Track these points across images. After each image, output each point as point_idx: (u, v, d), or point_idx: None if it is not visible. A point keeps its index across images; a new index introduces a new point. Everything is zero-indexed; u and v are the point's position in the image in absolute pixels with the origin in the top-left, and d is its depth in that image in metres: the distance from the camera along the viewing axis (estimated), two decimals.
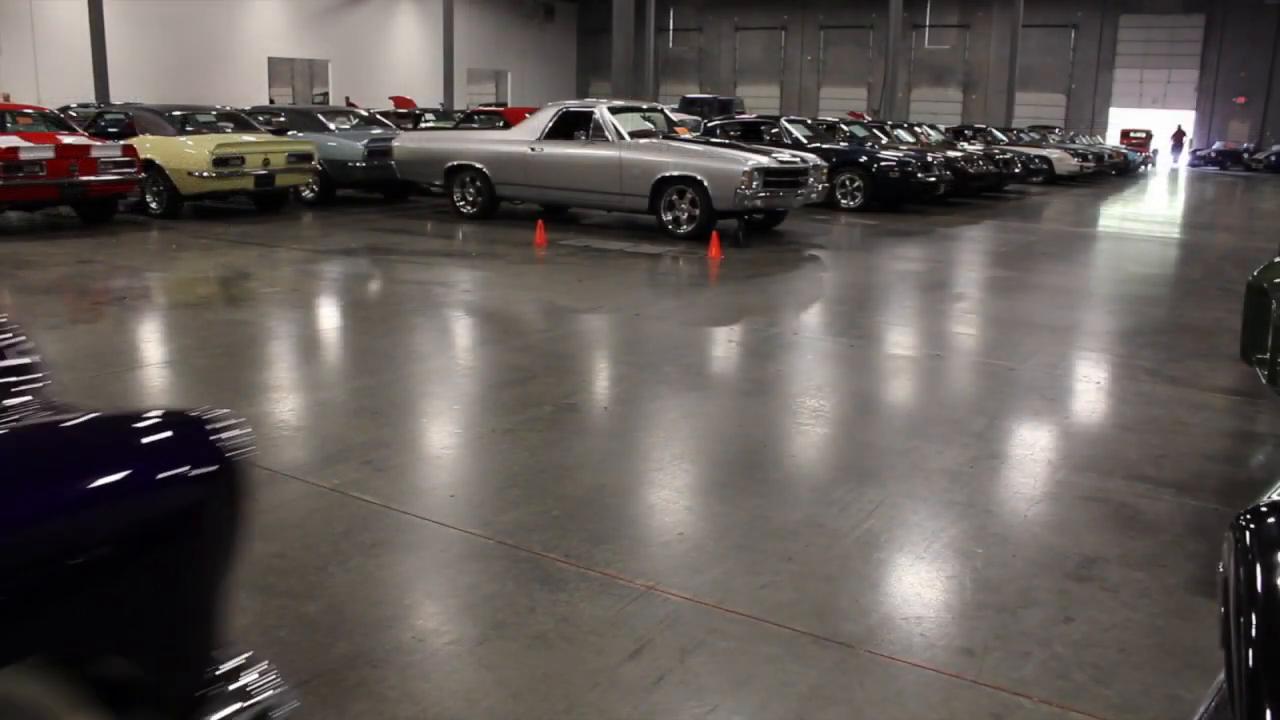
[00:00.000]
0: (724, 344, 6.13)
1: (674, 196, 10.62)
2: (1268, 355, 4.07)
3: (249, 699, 1.48)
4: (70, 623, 1.26)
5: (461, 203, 12.22)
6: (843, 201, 14.99)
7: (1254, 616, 1.16)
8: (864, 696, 2.37)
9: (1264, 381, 4.16)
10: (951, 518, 3.44)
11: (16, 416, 1.45)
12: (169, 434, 1.38)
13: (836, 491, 3.63)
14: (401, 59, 38.91)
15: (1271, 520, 1.31)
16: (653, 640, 2.58)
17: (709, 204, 10.36)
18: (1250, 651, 1.13)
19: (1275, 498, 1.40)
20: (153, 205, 11.79)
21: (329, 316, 6.75)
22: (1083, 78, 42.97)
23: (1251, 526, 1.30)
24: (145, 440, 1.36)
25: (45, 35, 27.04)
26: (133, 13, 28.62)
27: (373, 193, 14.67)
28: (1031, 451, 4.22)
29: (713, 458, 4.01)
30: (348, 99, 31.81)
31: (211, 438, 1.39)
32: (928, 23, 44.47)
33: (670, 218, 10.68)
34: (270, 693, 1.52)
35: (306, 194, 13.46)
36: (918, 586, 2.94)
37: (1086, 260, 10.80)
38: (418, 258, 9.21)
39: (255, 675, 1.51)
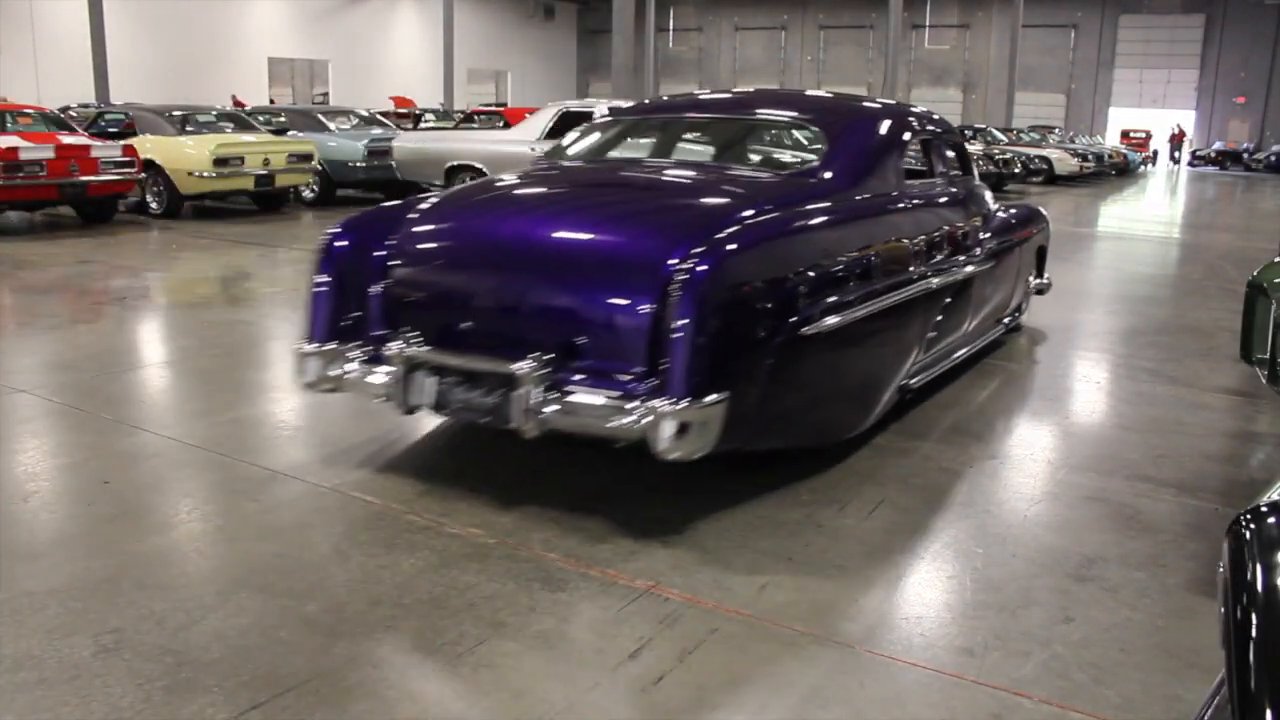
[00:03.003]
0: None
1: None
2: (1268, 355, 4.06)
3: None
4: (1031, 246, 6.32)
5: None
6: None
7: (1254, 616, 1.16)
8: (864, 696, 2.37)
9: (1264, 381, 4.16)
10: (951, 518, 3.44)
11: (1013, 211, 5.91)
12: (1035, 212, 6.38)
13: (836, 490, 3.64)
14: (401, 59, 38.91)
15: (1271, 520, 1.31)
16: (652, 640, 2.58)
17: None
18: (1250, 651, 1.13)
19: (1275, 498, 1.40)
20: (153, 205, 11.80)
21: None
22: (1082, 78, 42.97)
23: (1251, 526, 1.30)
24: (1031, 211, 6.28)
25: (45, 35, 27.04)
26: (133, 13, 28.62)
27: (373, 193, 14.65)
28: (1031, 451, 4.22)
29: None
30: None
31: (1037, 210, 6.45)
32: (928, 23, 44.47)
33: None
34: (1044, 280, 6.77)
35: (307, 194, 13.47)
36: (918, 586, 2.94)
37: (1086, 260, 10.80)
38: None
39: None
